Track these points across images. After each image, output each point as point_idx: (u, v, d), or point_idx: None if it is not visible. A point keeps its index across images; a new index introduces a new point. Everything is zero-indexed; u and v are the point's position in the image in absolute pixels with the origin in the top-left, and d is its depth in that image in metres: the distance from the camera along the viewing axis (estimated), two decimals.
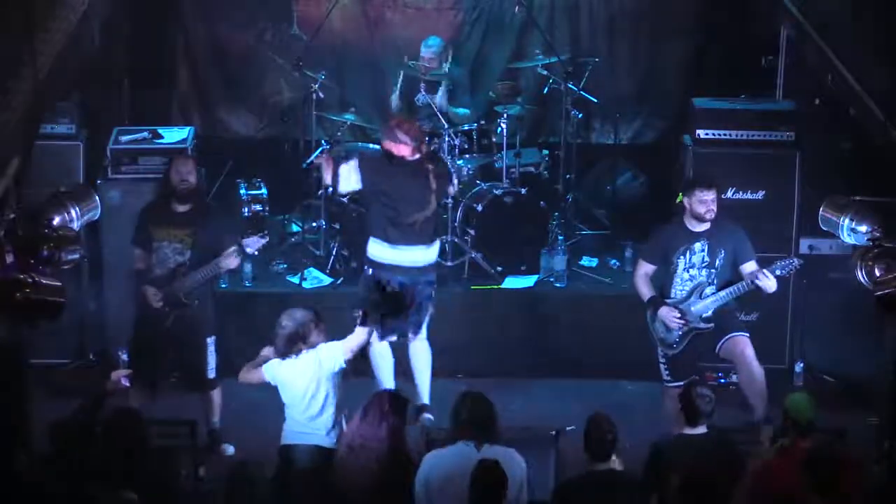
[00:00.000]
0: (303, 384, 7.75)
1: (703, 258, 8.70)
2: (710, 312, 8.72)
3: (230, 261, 8.75)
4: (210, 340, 8.95)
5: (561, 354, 10.02)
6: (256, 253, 8.97)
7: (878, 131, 7.97)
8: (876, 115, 7.99)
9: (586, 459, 7.04)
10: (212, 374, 8.97)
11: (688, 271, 8.74)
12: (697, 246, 8.71)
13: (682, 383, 8.18)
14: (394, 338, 8.93)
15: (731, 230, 8.77)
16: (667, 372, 8.83)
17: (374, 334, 8.45)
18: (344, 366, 7.81)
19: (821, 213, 8.35)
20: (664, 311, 8.72)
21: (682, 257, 8.72)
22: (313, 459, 7.69)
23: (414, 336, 8.99)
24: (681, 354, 8.77)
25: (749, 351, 8.67)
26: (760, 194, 9.89)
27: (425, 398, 9.00)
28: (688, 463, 6.88)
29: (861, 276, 7.55)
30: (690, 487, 6.49)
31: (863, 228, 7.96)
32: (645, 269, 8.89)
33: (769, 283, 8.53)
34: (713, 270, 8.71)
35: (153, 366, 8.86)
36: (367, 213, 9.19)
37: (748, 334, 8.75)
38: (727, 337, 8.73)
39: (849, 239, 8.14)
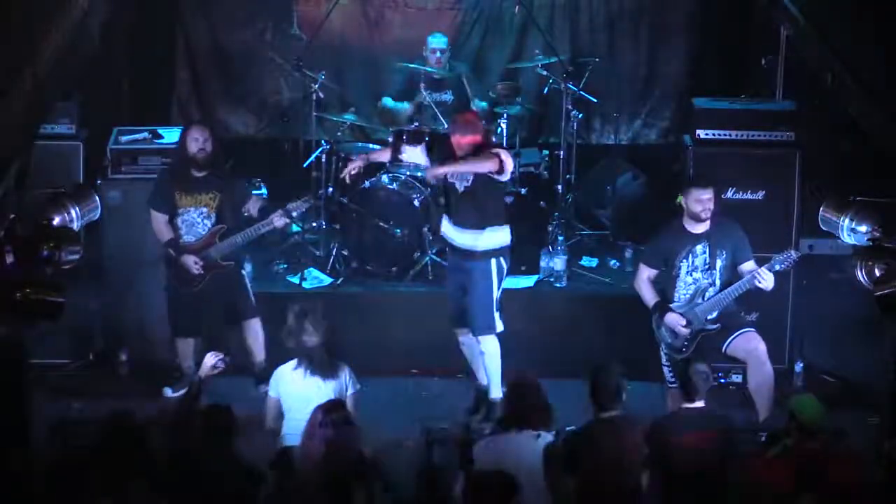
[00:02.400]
0: (317, 397, 7.77)
1: (704, 260, 8.69)
2: (715, 314, 8.72)
3: (276, 222, 9.14)
4: (245, 273, 9.50)
5: (561, 354, 10.00)
6: (299, 214, 9.51)
7: (878, 131, 7.96)
8: (876, 115, 7.98)
9: (593, 409, 7.30)
10: (251, 302, 9.40)
11: (691, 275, 8.73)
12: (699, 248, 8.70)
13: None
14: (466, 333, 9.08)
15: (729, 229, 8.77)
16: (671, 374, 8.81)
17: None
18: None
19: (821, 213, 8.35)
20: (671, 318, 8.70)
21: (684, 261, 8.71)
22: None
23: (471, 333, 9.06)
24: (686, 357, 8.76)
25: (762, 347, 8.66)
26: (760, 194, 9.86)
27: (493, 391, 9.05)
28: (685, 434, 7.23)
29: (861, 276, 7.55)
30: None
31: (863, 228, 7.96)
32: (646, 273, 8.87)
33: (768, 280, 8.53)
34: (715, 272, 8.70)
35: (195, 321, 9.31)
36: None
37: (755, 330, 8.75)
38: (737, 333, 8.71)
39: (849, 239, 8.14)
